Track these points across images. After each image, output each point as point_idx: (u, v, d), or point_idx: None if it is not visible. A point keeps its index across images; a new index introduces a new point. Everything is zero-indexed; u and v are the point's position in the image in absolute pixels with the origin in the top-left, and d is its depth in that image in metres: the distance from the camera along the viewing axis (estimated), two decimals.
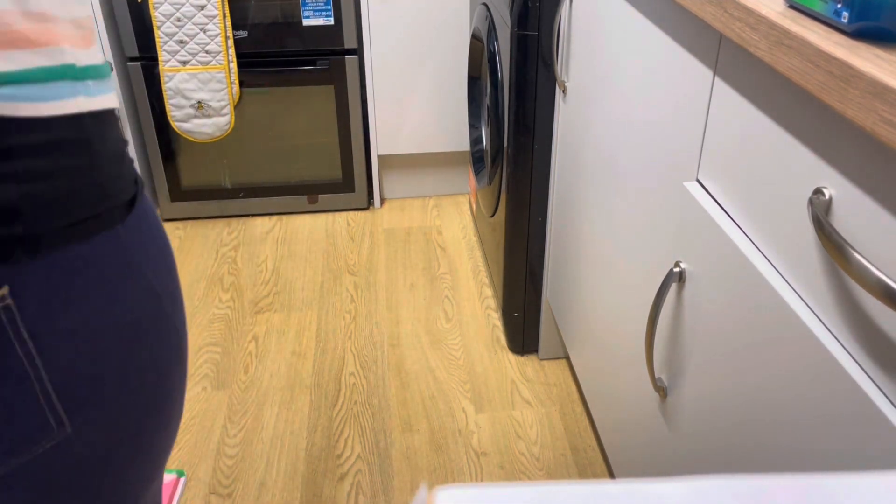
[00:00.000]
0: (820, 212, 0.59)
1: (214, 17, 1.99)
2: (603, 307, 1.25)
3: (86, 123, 0.49)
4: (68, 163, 0.48)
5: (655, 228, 0.98)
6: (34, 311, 0.46)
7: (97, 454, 0.53)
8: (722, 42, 0.77)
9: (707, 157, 0.82)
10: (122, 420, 0.54)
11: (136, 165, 2.10)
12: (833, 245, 0.55)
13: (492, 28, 1.64)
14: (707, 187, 0.83)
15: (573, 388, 1.66)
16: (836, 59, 0.53)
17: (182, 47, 2.02)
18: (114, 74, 2.11)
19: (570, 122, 1.38)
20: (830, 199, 0.60)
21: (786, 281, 0.68)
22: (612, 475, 1.44)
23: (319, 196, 2.34)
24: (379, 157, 2.36)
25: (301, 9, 2.06)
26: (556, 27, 1.38)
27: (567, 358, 1.75)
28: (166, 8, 1.97)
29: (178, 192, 2.28)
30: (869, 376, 0.57)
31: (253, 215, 2.36)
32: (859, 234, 0.57)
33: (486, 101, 1.81)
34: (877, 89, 0.49)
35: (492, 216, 1.80)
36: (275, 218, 2.35)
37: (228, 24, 2.02)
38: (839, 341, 0.60)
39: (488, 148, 1.80)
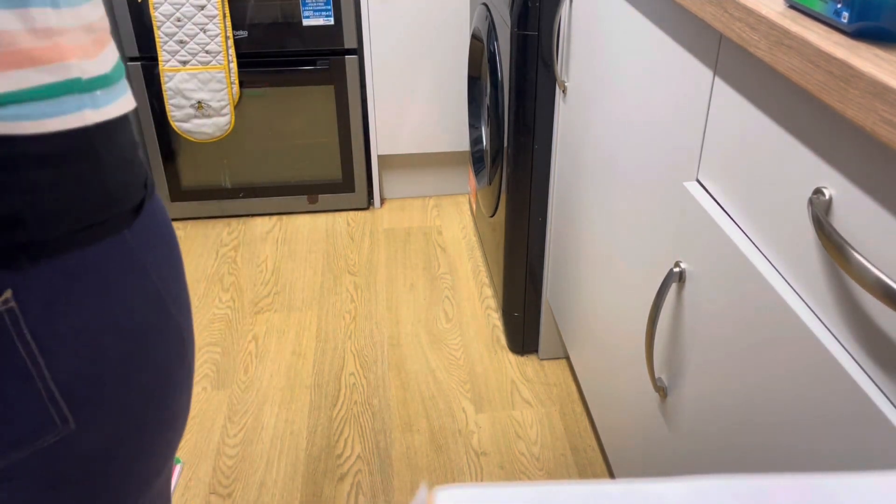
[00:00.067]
0: (820, 212, 0.59)
1: (214, 17, 1.99)
2: (603, 307, 1.25)
3: (91, 134, 0.48)
4: (73, 173, 0.47)
5: (655, 228, 0.98)
6: (37, 313, 0.47)
7: (101, 449, 0.54)
8: (722, 42, 0.77)
9: (707, 157, 0.82)
10: (124, 418, 0.55)
11: None
12: (833, 245, 0.55)
13: (492, 28, 1.64)
14: (707, 187, 0.83)
15: (573, 388, 1.66)
16: (836, 59, 0.53)
17: (182, 47, 2.02)
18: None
19: (570, 122, 1.38)
20: (830, 199, 0.60)
21: (786, 281, 0.68)
22: (612, 475, 1.44)
23: (319, 196, 2.34)
24: (379, 157, 2.36)
25: (301, 9, 2.06)
26: (556, 27, 1.38)
27: (567, 358, 1.75)
28: (166, 8, 1.97)
29: (179, 192, 2.28)
30: (869, 376, 0.57)
31: (253, 215, 2.36)
32: (859, 234, 0.57)
33: (486, 101, 1.81)
34: (877, 89, 0.49)
35: (492, 216, 1.80)
36: (275, 218, 2.35)
37: (228, 24, 2.02)
38: (839, 341, 0.60)
39: (488, 148, 1.80)
